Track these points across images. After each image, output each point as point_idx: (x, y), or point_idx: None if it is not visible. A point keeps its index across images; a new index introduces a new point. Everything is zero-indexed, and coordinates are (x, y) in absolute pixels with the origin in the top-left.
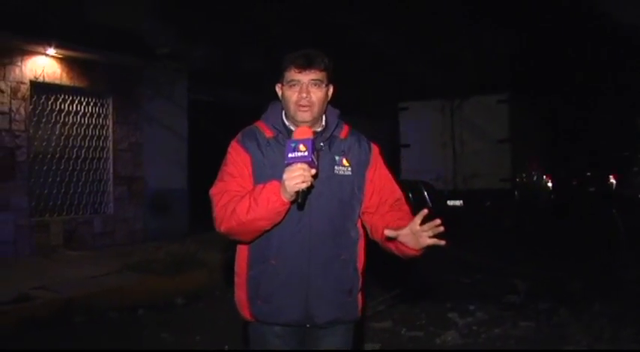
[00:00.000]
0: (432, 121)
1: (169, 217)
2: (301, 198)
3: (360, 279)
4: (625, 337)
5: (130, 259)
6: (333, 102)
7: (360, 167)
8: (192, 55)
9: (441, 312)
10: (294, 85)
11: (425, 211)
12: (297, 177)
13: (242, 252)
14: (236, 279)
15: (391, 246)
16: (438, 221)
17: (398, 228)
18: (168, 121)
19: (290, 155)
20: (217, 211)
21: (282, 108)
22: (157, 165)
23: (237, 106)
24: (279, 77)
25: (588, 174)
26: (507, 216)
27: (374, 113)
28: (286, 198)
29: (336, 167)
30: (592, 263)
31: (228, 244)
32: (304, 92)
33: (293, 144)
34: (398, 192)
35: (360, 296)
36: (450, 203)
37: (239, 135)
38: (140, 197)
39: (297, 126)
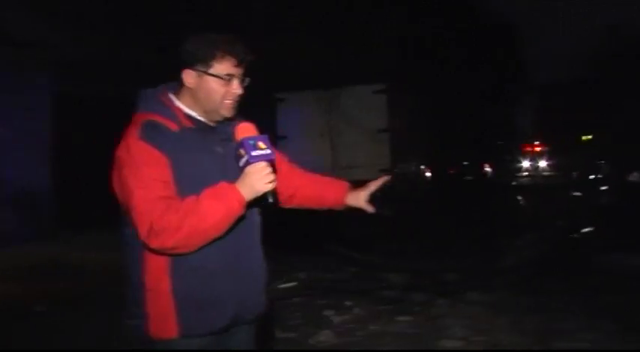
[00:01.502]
0: (310, 112)
1: (32, 218)
2: (273, 198)
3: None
4: (500, 326)
5: None
6: None
7: None
8: (59, 43)
9: (316, 310)
10: (226, 79)
11: (387, 178)
12: (266, 176)
13: (155, 262)
14: (146, 294)
15: (316, 197)
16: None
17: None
18: (30, 116)
19: (253, 153)
20: (155, 223)
21: (176, 97)
22: (16, 163)
23: (110, 99)
24: (192, 63)
25: (465, 163)
26: (387, 206)
27: (251, 103)
28: (247, 200)
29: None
30: (469, 252)
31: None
32: (236, 87)
33: (252, 142)
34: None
35: None
36: None
37: (139, 132)
38: None
39: (210, 119)
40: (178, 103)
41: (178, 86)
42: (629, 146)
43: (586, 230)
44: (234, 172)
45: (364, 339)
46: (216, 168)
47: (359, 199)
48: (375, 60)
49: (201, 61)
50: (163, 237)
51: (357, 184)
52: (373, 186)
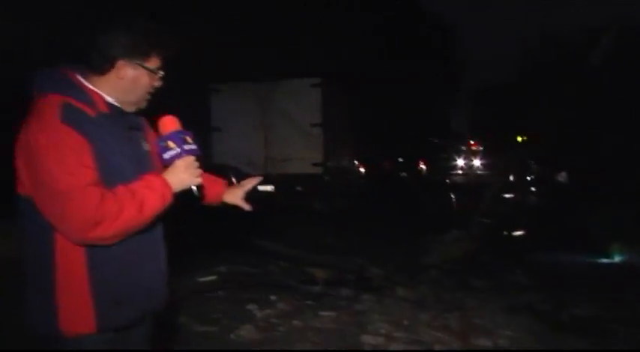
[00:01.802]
0: (244, 104)
1: None
2: (198, 192)
3: None
4: (423, 322)
5: None
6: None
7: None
8: None
9: (239, 304)
10: (155, 73)
11: (260, 178)
12: (195, 170)
13: (71, 254)
14: (58, 287)
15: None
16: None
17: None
18: None
19: (185, 147)
20: (93, 212)
21: (88, 81)
22: None
23: None
24: (128, 55)
25: (400, 159)
26: (319, 201)
27: (186, 94)
28: (175, 192)
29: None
30: (397, 248)
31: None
32: (158, 81)
33: (181, 136)
34: None
35: None
36: (261, 188)
37: (60, 114)
38: None
39: (124, 108)
40: (95, 88)
41: (91, 71)
42: (558, 147)
43: (514, 229)
44: (146, 162)
45: (286, 334)
46: (131, 156)
47: (236, 196)
48: (311, 54)
49: (138, 54)
50: (103, 226)
51: (291, 178)
52: (249, 184)
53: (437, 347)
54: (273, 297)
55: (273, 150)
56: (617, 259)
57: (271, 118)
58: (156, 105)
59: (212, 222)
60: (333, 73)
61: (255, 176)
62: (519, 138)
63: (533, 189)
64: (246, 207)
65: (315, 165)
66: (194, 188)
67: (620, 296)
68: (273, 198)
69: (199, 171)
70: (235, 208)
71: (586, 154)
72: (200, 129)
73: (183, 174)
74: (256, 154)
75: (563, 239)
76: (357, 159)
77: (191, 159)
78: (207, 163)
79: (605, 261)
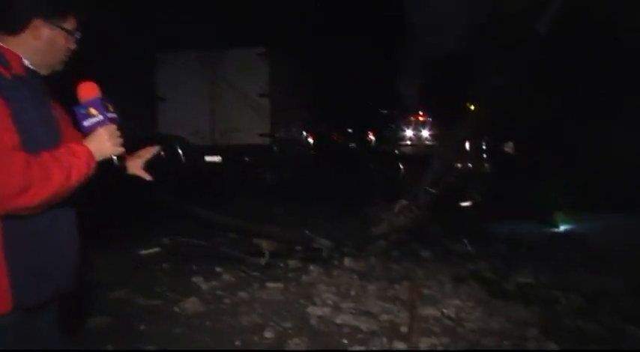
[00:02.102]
0: (190, 74)
1: None
2: (119, 161)
3: None
4: (372, 292)
5: None
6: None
7: None
8: None
9: (185, 276)
10: (72, 34)
11: (157, 148)
12: (117, 139)
13: None
14: None
15: None
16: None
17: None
18: None
19: (109, 115)
20: (21, 177)
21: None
22: None
23: None
24: (46, 15)
25: (349, 130)
26: (267, 171)
27: (131, 64)
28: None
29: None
30: (345, 218)
31: None
32: (74, 43)
33: (103, 103)
34: None
35: None
36: (208, 159)
37: None
38: None
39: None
40: (9, 48)
41: (6, 31)
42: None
43: (462, 199)
44: (57, 129)
45: (232, 307)
46: (46, 122)
47: (136, 166)
48: (257, 23)
49: (56, 15)
50: (31, 193)
51: (238, 149)
52: (147, 153)
53: (384, 317)
54: (218, 269)
55: (220, 121)
56: (561, 228)
57: (218, 88)
58: (87, 73)
59: (154, 193)
60: (279, 43)
61: (201, 146)
62: (471, 107)
63: (482, 159)
64: (147, 176)
65: (262, 135)
66: (114, 158)
67: (563, 264)
68: (221, 168)
69: (120, 139)
70: (137, 178)
71: (532, 124)
72: (145, 98)
73: (107, 142)
74: (203, 124)
75: (510, 209)
76: (305, 130)
77: (114, 127)
78: (153, 134)
79: (549, 229)
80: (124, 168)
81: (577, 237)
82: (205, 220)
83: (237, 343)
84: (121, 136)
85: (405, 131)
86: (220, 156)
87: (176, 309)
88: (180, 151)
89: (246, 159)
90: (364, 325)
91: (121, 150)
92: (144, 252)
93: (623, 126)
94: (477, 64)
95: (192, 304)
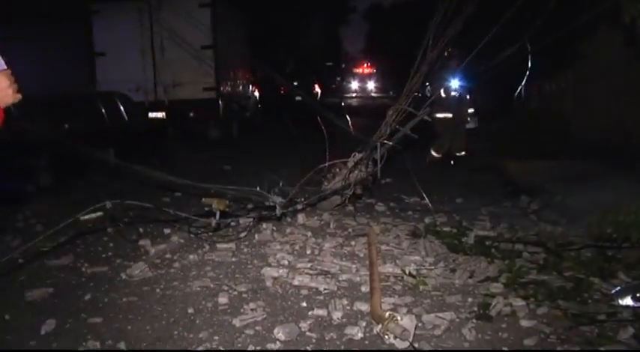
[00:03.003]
0: (128, 26)
1: None
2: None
3: None
4: (329, 250)
5: None
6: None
7: None
8: None
9: (131, 241)
10: None
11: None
12: (13, 85)
13: None
14: None
15: None
16: None
17: None
18: None
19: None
20: None
21: None
22: None
23: None
24: None
25: (295, 83)
26: (213, 127)
27: (62, 17)
28: None
29: None
30: (297, 174)
31: None
32: None
33: None
34: None
35: None
36: (152, 115)
37: None
38: None
39: None
40: None
41: None
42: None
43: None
44: None
45: (182, 271)
46: None
47: None
48: None
49: None
50: None
51: (183, 104)
52: None
53: (343, 277)
54: (167, 231)
55: (162, 75)
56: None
57: (159, 40)
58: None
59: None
60: None
61: (144, 102)
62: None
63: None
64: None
65: (207, 89)
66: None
67: (522, 215)
68: (165, 125)
69: (15, 86)
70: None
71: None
72: (83, 54)
73: (8, 89)
74: (145, 80)
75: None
76: (251, 84)
77: (9, 72)
78: (92, 91)
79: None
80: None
81: (532, 187)
82: (150, 180)
83: (190, 310)
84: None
85: (350, 83)
86: (164, 112)
87: (123, 276)
88: (122, 109)
89: (191, 114)
90: (322, 286)
91: (19, 97)
92: (85, 217)
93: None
94: (424, 13)
95: (140, 270)
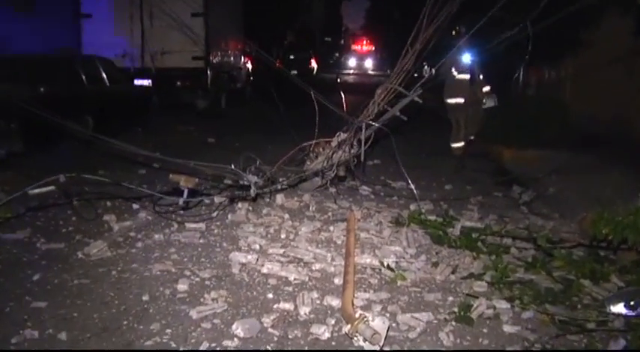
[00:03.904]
0: None
1: None
2: None
3: None
4: (304, 235)
5: None
6: None
7: None
8: None
9: (97, 215)
10: None
11: None
12: None
13: None
14: None
15: None
16: None
17: None
18: None
19: None
20: None
21: None
22: None
23: None
24: None
25: (291, 57)
26: (200, 97)
27: None
28: None
29: None
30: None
31: None
32: None
33: None
34: None
35: None
36: (138, 82)
37: None
38: None
39: None
40: None
41: None
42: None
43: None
44: None
45: (145, 251)
46: None
47: None
48: None
49: None
50: None
51: (170, 73)
52: None
53: (316, 266)
54: (135, 206)
55: (150, 42)
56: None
57: (148, 5)
58: None
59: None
60: None
61: (130, 69)
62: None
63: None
64: None
65: (196, 58)
66: None
67: (512, 206)
68: (150, 94)
69: None
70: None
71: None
72: (71, 15)
73: None
74: (132, 45)
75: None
76: (243, 55)
77: None
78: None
79: (496, 168)
80: None
81: (525, 177)
82: (125, 152)
83: (145, 298)
84: None
85: (348, 60)
86: (150, 79)
87: (80, 255)
88: (103, 74)
89: (179, 83)
90: (293, 275)
91: None
92: (36, 191)
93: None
94: None
95: (98, 249)
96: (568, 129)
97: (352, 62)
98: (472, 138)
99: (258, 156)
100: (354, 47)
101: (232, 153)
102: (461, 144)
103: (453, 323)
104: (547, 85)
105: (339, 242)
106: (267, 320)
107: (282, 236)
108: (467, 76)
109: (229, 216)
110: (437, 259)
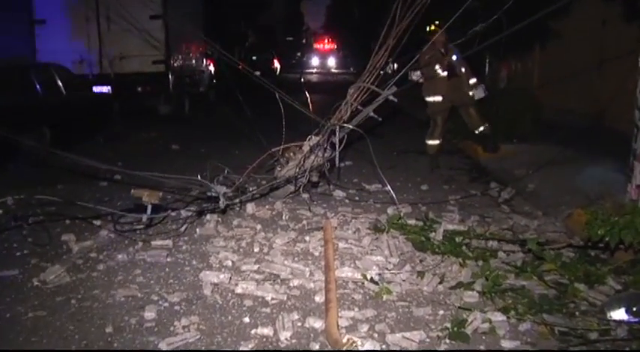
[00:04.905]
0: None
1: None
2: None
3: None
4: (279, 247)
5: None
6: None
7: None
8: None
9: (54, 235)
10: None
11: None
12: None
13: None
14: None
15: None
16: None
17: None
18: None
19: None
20: None
21: None
22: None
23: None
24: None
25: (254, 58)
26: (162, 103)
27: None
28: None
29: None
30: (249, 156)
31: None
32: None
33: None
34: None
35: None
36: (97, 89)
37: None
38: None
39: None
40: None
41: None
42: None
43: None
44: None
45: (106, 274)
46: None
47: None
48: None
49: None
50: None
51: (130, 78)
52: None
53: (295, 283)
54: (96, 222)
55: (108, 46)
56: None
57: (105, 8)
58: None
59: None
60: None
61: (87, 75)
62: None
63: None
64: None
65: (156, 62)
66: None
67: (495, 207)
68: (110, 101)
69: None
70: None
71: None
72: (25, 22)
73: None
74: (89, 51)
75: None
76: (206, 57)
77: None
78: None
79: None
80: None
81: (501, 174)
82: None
83: (109, 329)
84: None
85: (311, 59)
86: (110, 86)
87: (35, 282)
88: (59, 82)
89: (139, 89)
90: (270, 294)
91: None
92: None
93: None
94: None
95: (55, 274)
96: (540, 122)
97: (315, 61)
98: (482, 129)
99: (225, 163)
100: (317, 46)
101: (198, 160)
102: (436, 141)
103: (447, 340)
104: (517, 77)
105: (316, 254)
106: (244, 349)
107: (256, 249)
108: (444, 73)
109: (197, 230)
110: (422, 268)
